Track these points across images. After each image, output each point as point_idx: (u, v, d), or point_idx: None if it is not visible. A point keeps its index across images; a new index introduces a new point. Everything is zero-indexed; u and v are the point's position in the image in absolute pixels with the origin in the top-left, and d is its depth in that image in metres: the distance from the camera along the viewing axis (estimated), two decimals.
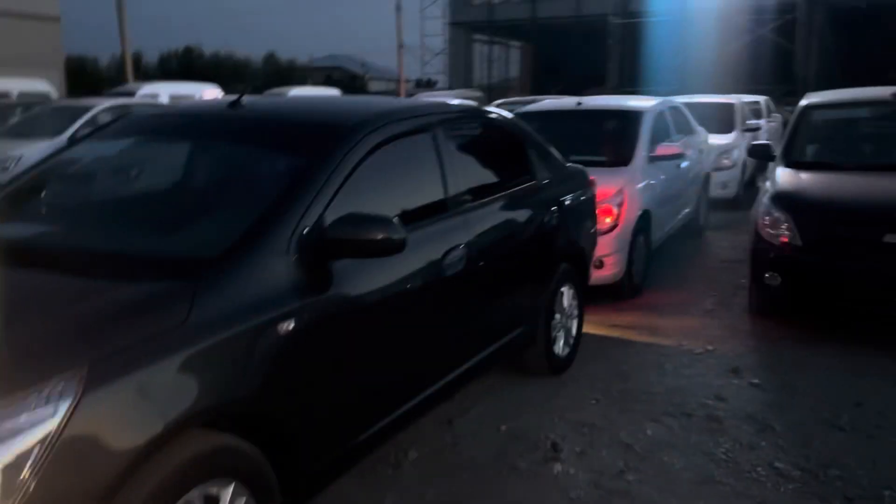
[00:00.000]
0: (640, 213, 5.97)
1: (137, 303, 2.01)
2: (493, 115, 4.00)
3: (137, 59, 58.81)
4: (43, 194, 2.95)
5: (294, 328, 2.27)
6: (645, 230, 6.21)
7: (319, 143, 2.70)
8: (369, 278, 2.63)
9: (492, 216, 3.51)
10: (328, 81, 45.30)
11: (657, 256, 6.81)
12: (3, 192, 2.91)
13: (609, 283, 5.78)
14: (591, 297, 5.72)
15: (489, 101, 20.00)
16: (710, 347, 4.87)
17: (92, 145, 3.16)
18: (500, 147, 4.06)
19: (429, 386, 3.10)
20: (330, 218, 2.48)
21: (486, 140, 3.95)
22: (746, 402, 4.03)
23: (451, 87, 31.88)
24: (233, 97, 3.16)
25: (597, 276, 5.59)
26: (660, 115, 7.11)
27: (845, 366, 4.49)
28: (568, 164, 4.70)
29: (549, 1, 33.11)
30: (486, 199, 3.52)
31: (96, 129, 3.28)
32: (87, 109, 10.63)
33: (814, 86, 25.27)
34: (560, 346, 4.39)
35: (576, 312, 4.57)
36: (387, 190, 2.94)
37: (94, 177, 3.13)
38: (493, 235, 3.48)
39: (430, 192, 3.18)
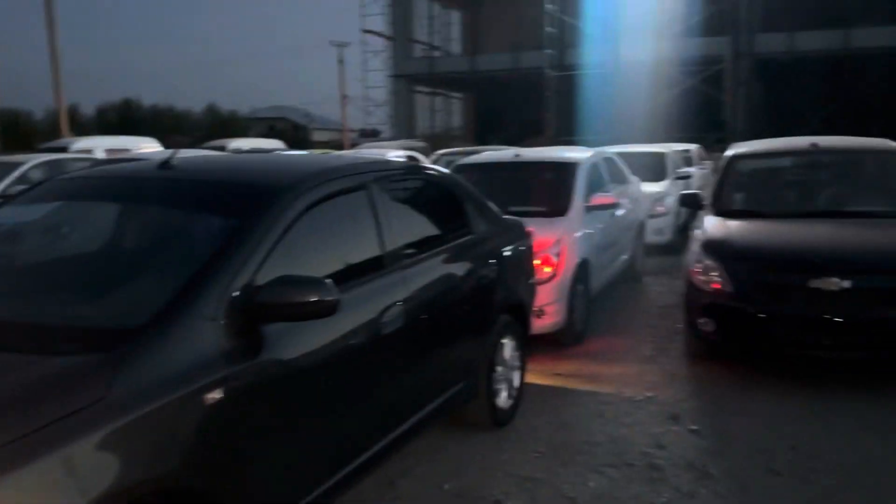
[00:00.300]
0: (578, 261, 6.07)
1: (53, 379, 1.92)
2: (428, 171, 4.05)
3: (73, 113, 57.84)
4: None
5: (222, 397, 2.21)
6: (584, 278, 6.31)
7: (250, 205, 2.68)
8: (303, 341, 2.59)
9: (430, 271, 3.52)
10: (271, 132, 45.29)
11: (597, 304, 6.91)
12: None
13: (550, 332, 5.83)
14: (534, 347, 5.76)
15: (432, 151, 20.26)
16: (649, 394, 4.93)
17: (16, 209, 3.06)
18: (436, 201, 4.10)
19: (369, 448, 3.04)
20: (261, 281, 2.45)
21: (422, 195, 3.98)
22: (686, 449, 4.07)
23: (394, 138, 32.20)
24: (166, 154, 3.12)
25: (538, 325, 5.64)
26: (594, 167, 7.30)
27: (780, 409, 4.60)
28: (505, 217, 4.76)
29: (488, 54, 34.02)
30: (424, 255, 3.53)
31: (21, 192, 3.18)
32: (16, 166, 10.34)
33: (742, 133, 26.51)
34: (503, 399, 4.38)
35: (518, 364, 4.58)
36: (322, 250, 2.92)
37: (17, 242, 3.01)
38: (431, 291, 3.48)
39: (367, 250, 3.17)
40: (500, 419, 4.32)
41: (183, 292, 2.29)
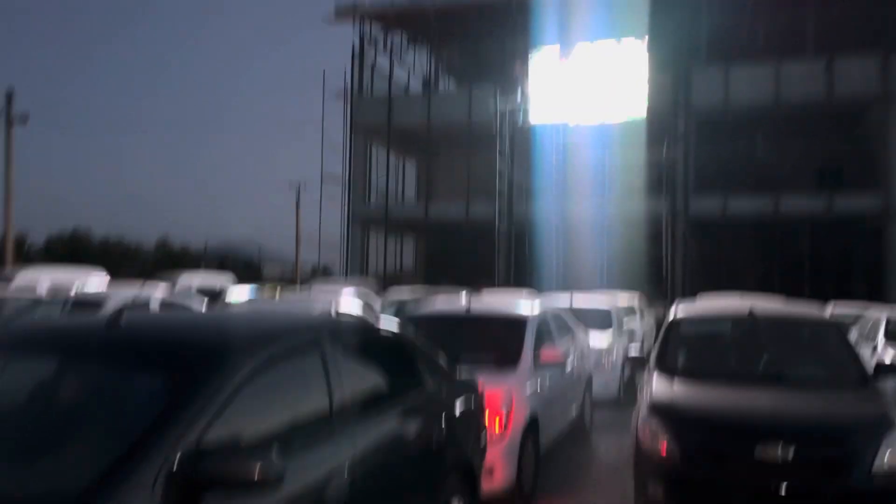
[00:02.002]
0: (528, 417, 6.06)
1: None
2: (380, 328, 4.10)
3: (21, 242, 56.67)
4: None
5: None
6: (534, 434, 6.28)
7: (194, 369, 2.66)
8: None
9: (378, 431, 3.48)
10: (221, 267, 45.17)
11: (546, 461, 6.83)
12: None
13: (499, 492, 5.69)
14: None
15: (383, 289, 20.43)
16: None
17: None
18: (388, 358, 4.12)
19: None
20: (206, 445, 2.39)
21: (373, 352, 4.00)
22: None
23: (346, 275, 32.45)
24: (115, 309, 3.09)
25: (488, 486, 5.51)
26: (543, 322, 7.47)
27: None
28: (457, 373, 4.79)
29: (441, 201, 35.23)
30: (373, 414, 3.50)
31: None
32: None
33: (681, 284, 27.59)
34: None
35: None
36: (269, 412, 2.88)
37: None
38: (379, 452, 3.43)
39: (316, 411, 3.14)
40: None
41: (119, 462, 2.21)
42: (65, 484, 2.13)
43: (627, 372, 11.56)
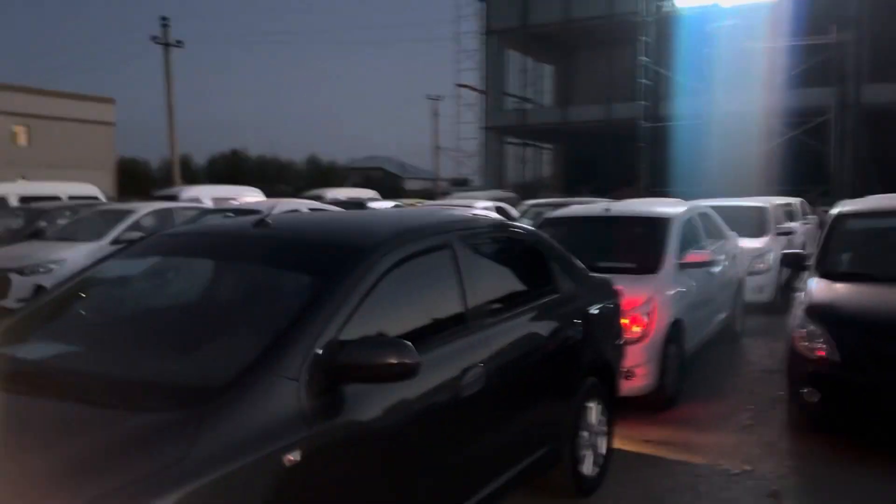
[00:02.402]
0: (671, 321, 5.84)
1: (137, 436, 1.97)
2: (513, 228, 4.02)
3: (187, 162, 61.52)
4: (63, 314, 2.99)
5: (301, 459, 2.20)
6: (677, 339, 6.06)
7: (335, 265, 2.72)
8: (382, 402, 2.57)
9: (512, 331, 3.45)
10: (367, 182, 46.78)
11: (691, 366, 6.61)
12: (26, 309, 2.96)
13: (640, 394, 5.60)
14: (623, 410, 5.54)
15: (521, 201, 20.26)
16: (747, 467, 4.63)
17: (118, 263, 3.22)
18: (521, 259, 4.05)
19: None
20: (344, 340, 2.46)
21: (506, 253, 3.94)
22: None
23: (484, 187, 32.44)
24: (266, 208, 3.23)
25: (627, 387, 5.42)
26: (689, 222, 7.08)
27: (888, 490, 4.20)
28: (593, 275, 4.65)
29: (580, 105, 34.04)
30: (507, 314, 3.47)
31: (124, 247, 3.35)
32: (129, 213, 10.99)
33: (848, 187, 25.19)
34: (588, 466, 4.20)
35: (604, 429, 4.40)
36: (404, 309, 2.92)
37: (115, 296, 3.16)
38: (513, 352, 3.41)
39: (449, 310, 3.16)
40: (585, 487, 4.14)
41: (266, 351, 2.32)
42: (217, 371, 2.27)
43: (785, 275, 10.87)
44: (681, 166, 26.93)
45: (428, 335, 2.92)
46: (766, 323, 8.96)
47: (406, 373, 2.41)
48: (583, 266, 4.52)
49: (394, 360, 2.39)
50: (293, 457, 2.18)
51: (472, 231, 3.55)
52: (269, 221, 3.13)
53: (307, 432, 2.25)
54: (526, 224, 4.02)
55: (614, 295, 4.78)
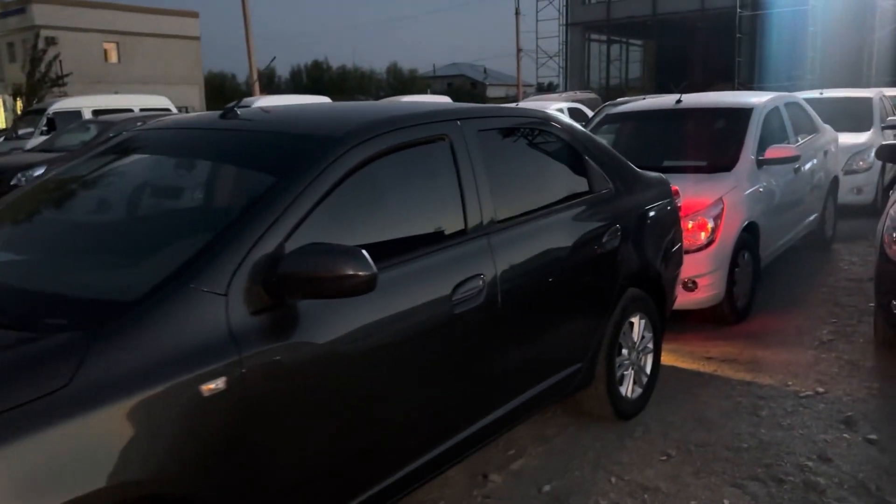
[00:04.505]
0: (743, 225, 5.18)
1: (14, 361, 1.66)
2: (535, 118, 3.43)
3: (271, 75, 62.14)
4: (15, 218, 2.71)
5: (225, 387, 1.86)
6: (750, 245, 5.40)
7: (290, 159, 2.29)
8: (344, 322, 2.18)
9: (526, 238, 2.96)
10: (448, 90, 45.81)
11: (768, 274, 5.95)
12: None
13: (705, 307, 5.04)
14: (684, 324, 5.03)
15: (604, 102, 19.10)
16: (820, 389, 4.06)
17: (83, 164, 2.91)
18: (548, 155, 3.49)
19: (442, 441, 2.61)
20: (290, 249, 2.06)
21: (529, 148, 3.39)
22: (858, 465, 3.24)
23: (564, 90, 30.98)
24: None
25: (689, 299, 4.89)
26: (773, 113, 6.23)
27: None
28: (644, 173, 4.05)
29: None
30: (520, 219, 2.97)
31: (94, 146, 3.03)
32: None
33: None
34: (628, 387, 3.75)
35: (650, 346, 3.91)
36: (380, 213, 2.49)
37: (65, 201, 2.86)
38: (527, 261, 2.93)
39: (441, 214, 2.70)
40: (624, 410, 3.71)
41: (190, 261, 1.95)
42: (135, 284, 1.93)
43: (889, 175, 9.71)
44: (782, 59, 24.70)
45: (411, 245, 2.49)
46: (862, 227, 8.02)
47: (359, 286, 2.00)
48: (628, 164, 3.91)
49: (347, 272, 1.98)
50: (214, 385, 1.84)
51: (481, 121, 3.01)
52: (238, 112, 2.72)
53: (236, 356, 1.89)
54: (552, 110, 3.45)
55: (669, 195, 4.16)
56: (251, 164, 2.44)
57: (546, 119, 3.48)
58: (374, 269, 2.01)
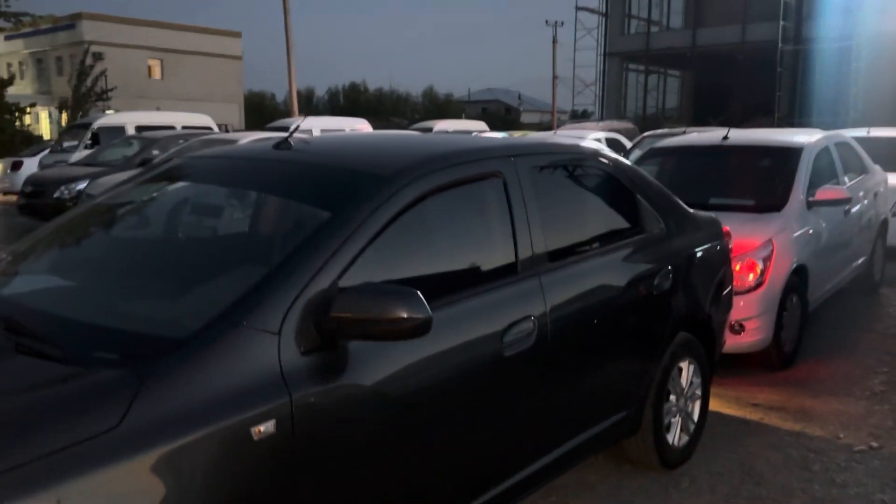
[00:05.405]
0: (793, 267, 5.03)
1: (64, 398, 1.62)
2: (588, 155, 3.36)
3: (310, 95, 63.09)
4: (62, 244, 2.70)
5: (276, 430, 1.80)
6: (799, 288, 5.24)
7: (344, 196, 2.24)
8: (395, 364, 2.11)
9: (578, 279, 2.88)
10: (483, 115, 46.04)
11: (815, 319, 5.76)
12: (32, 238, 2.70)
13: (751, 351, 4.88)
14: (729, 369, 4.87)
15: (641, 133, 19.00)
16: (874, 444, 3.88)
17: (132, 189, 2.88)
18: (601, 194, 3.42)
19: (486, 490, 2.51)
20: (344, 287, 2.00)
21: (582, 186, 3.33)
22: None
23: (601, 119, 30.87)
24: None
25: (736, 342, 4.74)
26: (823, 152, 6.08)
27: None
28: (696, 213, 3.94)
29: (711, 27, 31.31)
30: (573, 259, 2.89)
31: (141, 171, 3.01)
32: (230, 143, 11.03)
33: None
34: (675, 435, 3.62)
35: (698, 392, 3.78)
36: (433, 252, 2.43)
37: (113, 228, 2.85)
38: (578, 304, 2.84)
39: (494, 253, 2.63)
40: (671, 459, 3.57)
41: (242, 298, 1.91)
42: (187, 320, 1.89)
43: None
44: (824, 95, 24.36)
45: (463, 284, 2.42)
46: None
47: (413, 330, 1.93)
48: (680, 203, 3.82)
49: (402, 314, 1.91)
50: (264, 427, 1.78)
51: (535, 158, 2.95)
52: (292, 143, 2.69)
53: (286, 398, 1.83)
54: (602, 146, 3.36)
55: (721, 236, 4.05)
56: (306, 199, 2.40)
57: (597, 155, 3.41)
58: (430, 312, 1.94)
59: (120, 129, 14.82)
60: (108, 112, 20.90)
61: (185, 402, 1.68)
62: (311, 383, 1.90)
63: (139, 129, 14.64)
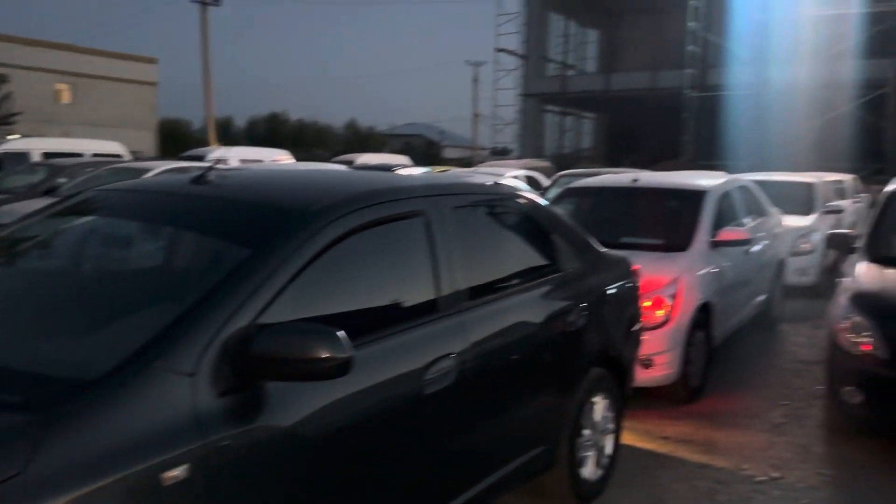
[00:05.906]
0: (698, 304, 5.27)
1: None
2: (507, 195, 3.47)
3: (227, 124, 61.92)
4: None
5: (188, 475, 1.75)
6: (704, 324, 5.49)
7: (265, 232, 2.23)
8: (314, 404, 2.10)
9: (497, 317, 2.94)
10: (406, 149, 46.39)
11: (720, 354, 6.04)
12: None
13: (661, 384, 5.07)
14: (640, 401, 5.03)
15: (557, 171, 19.54)
16: (775, 475, 4.08)
17: (42, 222, 2.78)
18: (518, 233, 3.53)
19: None
20: (262, 325, 1.99)
21: (500, 225, 3.42)
22: None
23: (520, 157, 31.64)
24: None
25: (645, 377, 4.90)
26: (725, 196, 6.44)
27: None
28: (608, 252, 4.10)
29: (624, 73, 32.80)
30: (491, 297, 2.96)
31: (52, 204, 2.91)
32: (143, 172, 10.71)
33: None
34: (589, 469, 3.71)
35: (611, 427, 3.89)
36: (356, 291, 2.44)
37: (22, 263, 2.73)
38: (497, 341, 2.90)
39: (416, 291, 2.66)
40: (585, 493, 3.65)
41: (156, 338, 1.86)
42: (96, 362, 1.82)
43: (829, 258, 10.10)
44: (729, 139, 25.81)
45: (385, 322, 2.44)
46: (807, 308, 8.27)
47: (333, 370, 1.93)
48: (593, 242, 3.97)
49: (322, 354, 1.91)
50: (176, 473, 1.73)
51: (457, 198, 3.02)
52: (210, 177, 2.66)
53: (200, 441, 1.79)
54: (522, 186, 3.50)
55: (631, 275, 4.23)
56: (225, 235, 2.37)
57: (516, 196, 3.52)
58: (351, 351, 1.95)
59: (24, 156, 14.15)
60: (11, 137, 19.93)
61: (93, 448, 1.62)
62: (227, 426, 1.87)
63: (46, 155, 14.02)
